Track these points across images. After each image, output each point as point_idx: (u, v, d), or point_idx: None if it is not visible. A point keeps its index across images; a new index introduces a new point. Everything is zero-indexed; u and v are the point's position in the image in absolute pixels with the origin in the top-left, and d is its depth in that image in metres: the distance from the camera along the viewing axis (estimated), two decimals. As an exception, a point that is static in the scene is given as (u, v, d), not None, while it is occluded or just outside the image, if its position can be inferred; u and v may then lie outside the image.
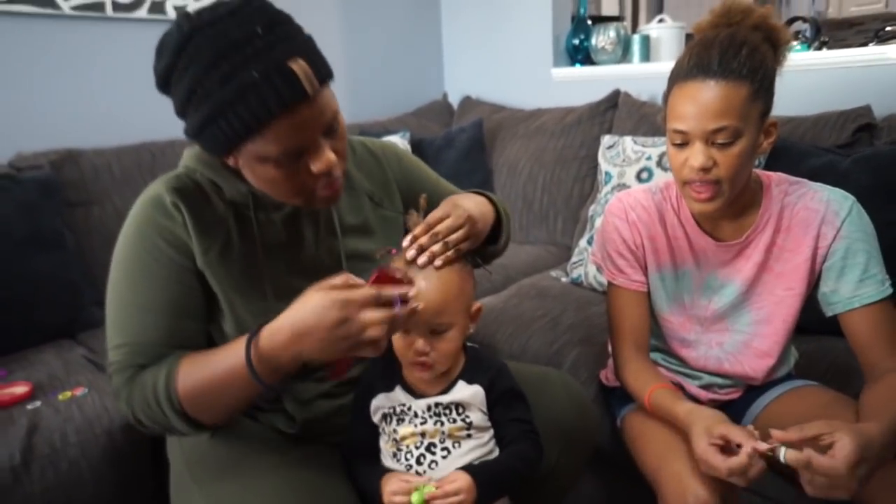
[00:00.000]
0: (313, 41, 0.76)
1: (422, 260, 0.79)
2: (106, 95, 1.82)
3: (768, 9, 0.90)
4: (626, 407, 1.06)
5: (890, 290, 0.91)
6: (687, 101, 0.86)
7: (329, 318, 0.69)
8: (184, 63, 0.71)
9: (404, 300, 0.73)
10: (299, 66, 0.70)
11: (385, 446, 0.86)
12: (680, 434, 0.89)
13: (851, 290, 0.92)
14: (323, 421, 0.90)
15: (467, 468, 0.79)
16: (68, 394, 1.20)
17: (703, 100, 0.85)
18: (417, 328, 0.81)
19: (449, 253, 0.80)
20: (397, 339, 0.84)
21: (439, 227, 0.81)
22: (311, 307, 0.70)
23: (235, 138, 0.72)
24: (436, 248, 0.80)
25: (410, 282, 0.77)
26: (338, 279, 0.72)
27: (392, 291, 0.72)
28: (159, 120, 1.91)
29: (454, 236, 0.82)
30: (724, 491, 0.81)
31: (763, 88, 0.86)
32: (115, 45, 1.81)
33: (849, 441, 0.72)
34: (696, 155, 0.87)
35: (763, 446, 0.76)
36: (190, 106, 0.73)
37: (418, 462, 0.83)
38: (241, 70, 0.68)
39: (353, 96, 2.42)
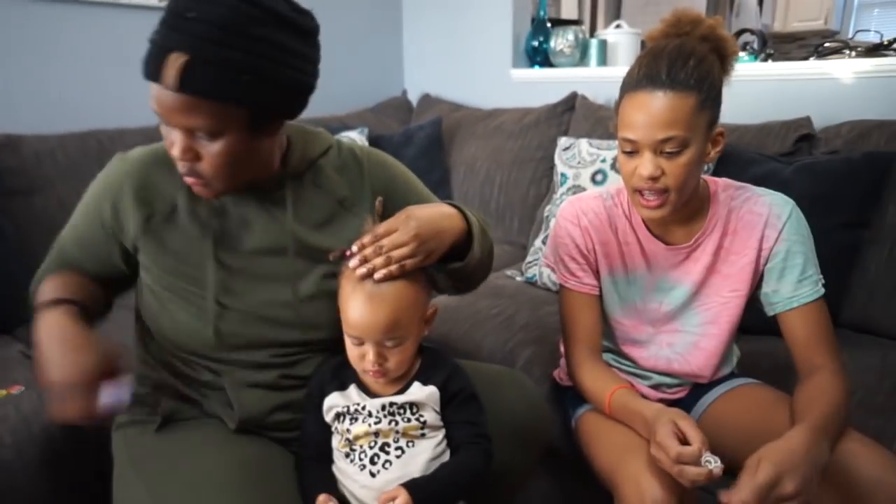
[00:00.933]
0: (218, 57, 0.72)
1: (360, 271, 0.79)
2: (51, 80, 1.74)
3: (717, 20, 0.93)
4: (581, 407, 1.08)
5: (823, 291, 0.96)
6: (636, 111, 0.88)
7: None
8: None
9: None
10: (175, 62, 0.71)
11: (338, 445, 0.85)
12: (637, 435, 0.90)
13: (791, 290, 0.96)
14: (265, 414, 0.89)
15: (408, 484, 0.78)
16: (4, 392, 1.14)
17: (652, 110, 0.87)
18: (370, 341, 0.80)
19: (392, 268, 0.79)
20: (350, 349, 0.83)
21: (384, 241, 0.80)
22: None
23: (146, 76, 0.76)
24: (378, 261, 0.79)
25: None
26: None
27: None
28: (109, 107, 1.88)
29: (398, 252, 0.79)
30: (681, 491, 0.83)
31: (710, 98, 0.89)
32: (62, 28, 1.74)
33: (767, 464, 0.74)
34: (645, 164, 0.89)
35: (702, 462, 0.78)
36: None
37: (372, 462, 0.82)
38: (159, 27, 0.74)
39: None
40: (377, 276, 0.79)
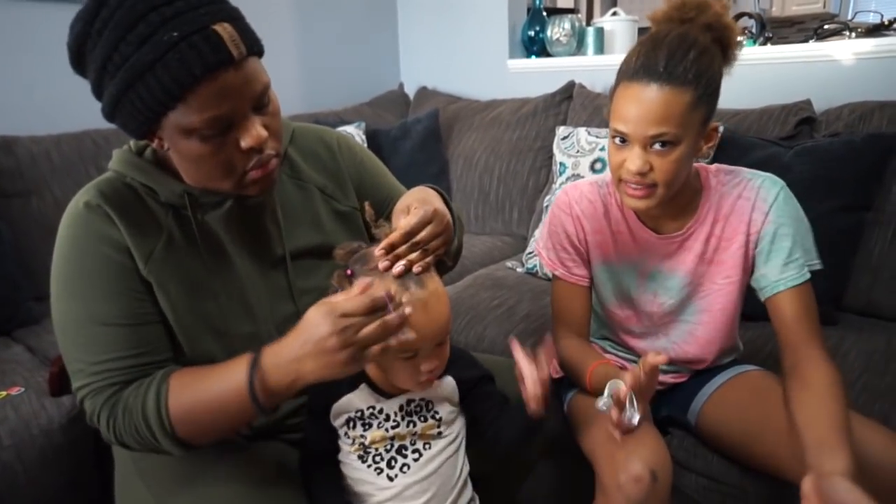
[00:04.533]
0: (241, 14, 0.72)
1: (398, 269, 0.72)
2: (45, 81, 1.72)
3: (724, 5, 0.90)
4: (571, 391, 1.07)
5: (808, 275, 0.94)
6: (629, 103, 0.86)
7: (321, 331, 0.65)
8: (97, 28, 0.67)
9: (391, 301, 0.68)
10: (224, 29, 0.66)
11: (350, 449, 0.82)
12: None
13: (777, 273, 0.94)
14: (280, 421, 0.88)
15: None
16: (3, 394, 1.14)
17: (645, 104, 0.85)
18: (429, 346, 0.75)
19: (429, 259, 0.74)
20: (400, 370, 0.76)
21: (422, 235, 0.73)
22: (304, 325, 0.67)
23: (156, 106, 0.67)
24: (413, 256, 0.73)
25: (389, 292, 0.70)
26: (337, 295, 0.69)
27: (379, 292, 0.67)
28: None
29: (434, 243, 0.74)
30: (657, 468, 0.81)
31: (706, 94, 0.86)
32: (56, 28, 1.72)
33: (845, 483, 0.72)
34: (634, 159, 0.87)
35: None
36: (105, 76, 0.68)
37: (389, 465, 0.80)
38: (160, 31, 0.64)
39: (308, 86, 2.37)
40: (417, 268, 0.72)
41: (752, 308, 1.04)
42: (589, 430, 0.95)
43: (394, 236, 0.72)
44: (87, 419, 0.76)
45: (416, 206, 0.77)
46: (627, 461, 0.82)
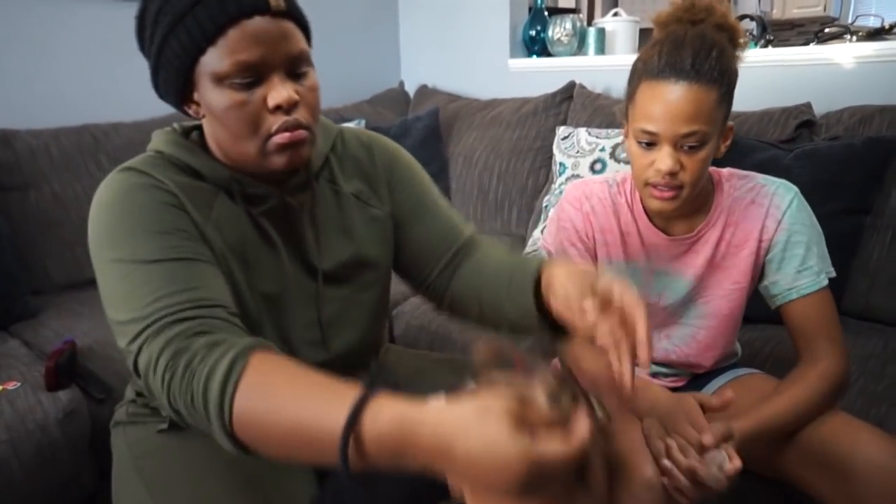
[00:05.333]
0: None
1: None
2: (44, 74, 1.72)
3: (728, 7, 0.91)
4: None
5: (825, 282, 0.93)
6: (657, 102, 0.85)
7: (511, 473, 0.47)
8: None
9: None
10: None
11: None
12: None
13: (790, 281, 0.94)
14: None
15: None
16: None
17: (675, 102, 0.84)
18: None
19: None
20: None
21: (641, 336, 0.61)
22: (488, 442, 0.47)
23: (192, 48, 0.68)
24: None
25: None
26: (520, 394, 0.49)
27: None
28: (103, 102, 1.86)
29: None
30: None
31: (728, 92, 0.87)
32: (55, 22, 1.72)
33: None
34: (664, 159, 0.86)
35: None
36: (156, 29, 0.70)
37: None
38: None
39: (307, 82, 2.37)
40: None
41: (751, 310, 1.04)
42: None
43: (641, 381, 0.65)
44: (142, 377, 0.63)
45: (615, 297, 0.64)
46: (640, 466, 0.83)
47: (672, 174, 0.86)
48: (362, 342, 0.90)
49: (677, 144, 0.86)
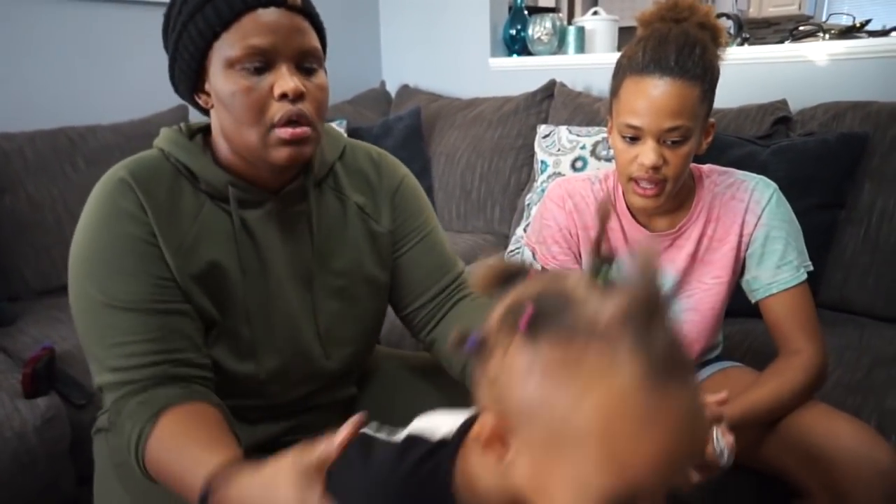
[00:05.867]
0: None
1: None
2: (18, 77, 1.68)
3: (709, 7, 0.92)
4: None
5: (804, 277, 0.95)
6: (641, 97, 0.86)
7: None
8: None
9: None
10: None
11: None
12: None
13: (770, 276, 0.95)
14: (274, 438, 0.86)
15: None
16: (-23, 396, 1.11)
17: (659, 97, 0.85)
18: None
19: None
20: None
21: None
22: (273, 486, 0.56)
23: (207, 32, 0.71)
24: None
25: None
26: (313, 462, 0.56)
27: None
28: (79, 104, 1.83)
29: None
30: None
31: (711, 89, 0.88)
32: (30, 23, 1.69)
33: None
34: (648, 153, 0.86)
35: None
36: (178, 18, 0.73)
37: None
38: None
39: (287, 82, 2.35)
40: None
41: (732, 304, 1.05)
42: None
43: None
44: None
45: None
46: None
47: (655, 168, 0.87)
48: (356, 354, 0.90)
49: (661, 139, 0.87)
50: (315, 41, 0.75)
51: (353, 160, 0.89)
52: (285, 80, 0.71)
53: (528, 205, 1.79)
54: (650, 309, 0.39)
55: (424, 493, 0.49)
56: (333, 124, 2.05)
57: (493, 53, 2.37)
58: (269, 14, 0.70)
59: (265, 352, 0.81)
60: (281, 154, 0.73)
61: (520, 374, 0.40)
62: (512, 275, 0.46)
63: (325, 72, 0.77)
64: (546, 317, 0.40)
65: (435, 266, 0.90)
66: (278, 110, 0.71)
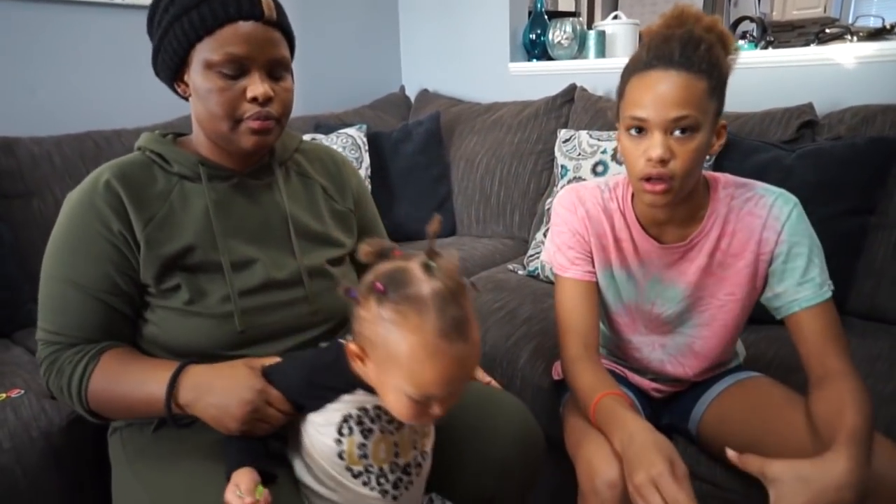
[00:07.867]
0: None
1: None
2: (47, 82, 1.72)
3: (716, 18, 0.91)
4: (567, 392, 1.05)
5: (828, 294, 0.92)
6: (647, 90, 0.85)
7: (242, 396, 0.77)
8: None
9: None
10: None
11: (347, 463, 0.77)
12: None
13: (792, 293, 0.92)
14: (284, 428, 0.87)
15: None
16: (3, 396, 1.13)
17: (664, 88, 0.84)
18: (446, 396, 0.70)
19: None
20: (406, 408, 0.70)
21: None
22: (234, 380, 0.78)
23: (192, 35, 0.80)
24: None
25: None
26: (265, 363, 0.81)
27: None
28: (105, 110, 1.86)
29: None
30: None
31: (719, 87, 0.86)
32: (57, 30, 1.72)
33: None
34: (655, 146, 0.85)
35: None
36: (165, 14, 0.82)
37: (395, 486, 0.79)
38: None
39: (309, 88, 2.34)
40: None
41: (756, 311, 1.02)
42: (572, 433, 0.96)
43: None
44: (39, 366, 0.87)
45: None
46: (604, 468, 0.83)
47: (663, 161, 0.85)
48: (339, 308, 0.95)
49: (667, 130, 0.85)
50: (285, 51, 0.87)
51: (312, 151, 1.03)
52: (257, 85, 0.82)
53: (548, 209, 1.78)
54: (449, 294, 0.66)
55: (332, 370, 0.77)
56: (353, 129, 2.06)
57: (513, 58, 2.37)
58: (247, 26, 0.81)
59: (248, 307, 0.88)
60: (248, 141, 0.85)
61: (373, 320, 0.67)
62: (384, 252, 0.71)
63: (292, 76, 0.88)
64: (391, 287, 0.66)
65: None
66: (248, 110, 0.83)
